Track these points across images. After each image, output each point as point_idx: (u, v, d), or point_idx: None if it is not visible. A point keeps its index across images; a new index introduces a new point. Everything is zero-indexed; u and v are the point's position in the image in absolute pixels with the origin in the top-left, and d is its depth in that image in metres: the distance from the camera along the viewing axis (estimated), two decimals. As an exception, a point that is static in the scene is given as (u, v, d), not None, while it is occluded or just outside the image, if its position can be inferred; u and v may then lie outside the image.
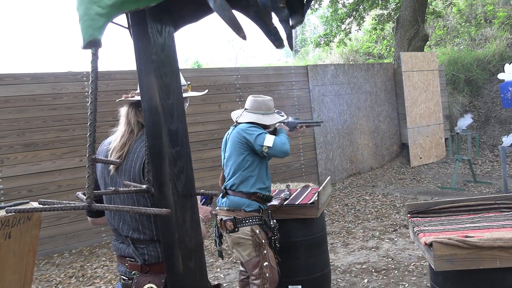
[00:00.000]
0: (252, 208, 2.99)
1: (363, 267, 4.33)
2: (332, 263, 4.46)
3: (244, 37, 0.90)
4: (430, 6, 12.78)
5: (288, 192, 3.76)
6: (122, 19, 1.06)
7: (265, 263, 2.98)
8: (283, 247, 3.45)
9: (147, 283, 1.63)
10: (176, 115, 0.93)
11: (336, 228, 5.68)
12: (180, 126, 0.92)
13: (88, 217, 2.08)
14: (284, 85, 7.89)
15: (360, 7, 13.36)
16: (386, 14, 13.51)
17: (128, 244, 1.78)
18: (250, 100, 3.22)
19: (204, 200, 2.28)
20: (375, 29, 14.18)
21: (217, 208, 3.10)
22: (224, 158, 3.23)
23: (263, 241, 2.97)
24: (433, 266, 2.25)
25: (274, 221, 3.08)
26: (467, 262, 2.18)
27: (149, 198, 1.65)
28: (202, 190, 1.79)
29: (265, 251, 2.98)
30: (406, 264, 4.20)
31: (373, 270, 4.19)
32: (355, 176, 8.53)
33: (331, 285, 3.87)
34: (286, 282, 3.48)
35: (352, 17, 13.61)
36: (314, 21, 27.69)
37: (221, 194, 3.11)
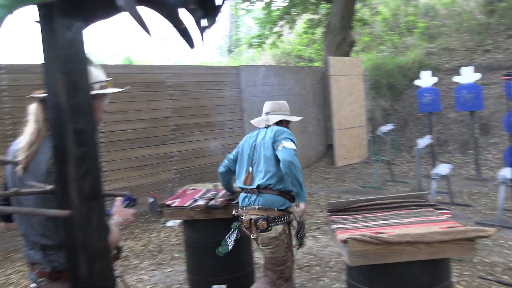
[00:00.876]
0: (286, 206, 3.01)
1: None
2: (257, 262, 4.54)
3: (149, 34, 0.92)
4: (358, 14, 13.37)
5: (215, 192, 3.78)
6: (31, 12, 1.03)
7: (288, 263, 3.05)
8: (208, 247, 3.47)
9: None
10: (83, 113, 0.91)
11: (263, 226, 5.78)
12: (87, 125, 0.91)
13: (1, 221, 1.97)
14: (216, 85, 7.90)
15: (293, 11, 13.67)
16: (316, 19, 13.93)
17: (37, 250, 1.71)
18: (270, 104, 3.38)
19: (127, 202, 2.23)
20: (306, 33, 14.58)
21: (242, 207, 3.08)
22: (249, 159, 3.15)
23: (291, 240, 3.05)
24: (348, 262, 2.37)
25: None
26: (379, 257, 2.32)
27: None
28: (126, 192, 1.74)
29: (290, 252, 3.06)
30: (327, 260, 4.37)
31: (296, 267, 4.31)
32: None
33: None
34: (211, 281, 3.51)
35: (284, 20, 13.90)
36: (249, 22, 27.94)
37: (246, 194, 3.07)
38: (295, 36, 16.67)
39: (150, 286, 4.17)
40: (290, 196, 3.05)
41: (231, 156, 3.38)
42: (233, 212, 3.17)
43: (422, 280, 2.39)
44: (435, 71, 11.05)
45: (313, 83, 9.89)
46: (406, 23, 14.63)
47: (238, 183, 3.20)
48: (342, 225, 2.68)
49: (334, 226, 2.67)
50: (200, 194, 3.83)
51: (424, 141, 7.08)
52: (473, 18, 12.61)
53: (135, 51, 32.48)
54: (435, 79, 8.33)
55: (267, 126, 3.22)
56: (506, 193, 5.13)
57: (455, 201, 6.20)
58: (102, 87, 1.85)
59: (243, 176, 3.14)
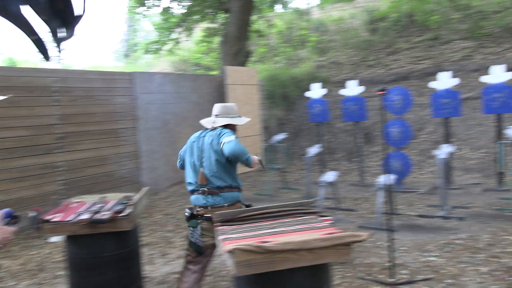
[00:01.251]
0: (241, 197, 3.47)
1: (179, 276, 4.38)
2: (149, 274, 4.42)
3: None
4: (254, 25, 13.74)
5: (102, 204, 3.61)
6: None
7: None
8: (93, 263, 3.30)
9: None
10: None
11: (156, 238, 5.65)
12: None
13: None
14: (108, 91, 7.58)
15: (190, 18, 13.63)
16: (214, 28, 14.04)
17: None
18: (219, 106, 3.63)
19: (8, 219, 2.03)
20: (204, 41, 14.62)
21: (207, 207, 3.29)
22: (198, 159, 3.41)
23: None
24: (234, 272, 2.40)
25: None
26: (263, 265, 2.37)
27: None
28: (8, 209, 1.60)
29: None
30: (219, 269, 4.39)
31: (189, 278, 4.27)
32: (178, 185, 8.61)
33: (146, 297, 3.84)
34: (96, 299, 3.33)
35: (182, 27, 13.79)
36: (147, 26, 27.29)
37: (205, 194, 3.31)
38: (193, 44, 16.64)
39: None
40: (240, 188, 3.48)
41: (181, 152, 3.67)
42: (194, 212, 3.34)
43: (305, 286, 2.50)
44: (325, 83, 11.75)
45: (210, 92, 9.94)
46: (300, 36, 15.37)
47: (190, 180, 3.40)
48: (229, 236, 2.70)
49: (221, 237, 2.69)
50: (85, 207, 3.63)
51: (313, 150, 7.46)
52: (358, 35, 13.64)
53: (20, 52, 30.00)
54: (324, 91, 8.85)
55: (214, 128, 3.49)
56: (383, 197, 5.59)
57: (341, 207, 6.62)
58: None
59: (193, 175, 3.38)
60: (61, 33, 0.98)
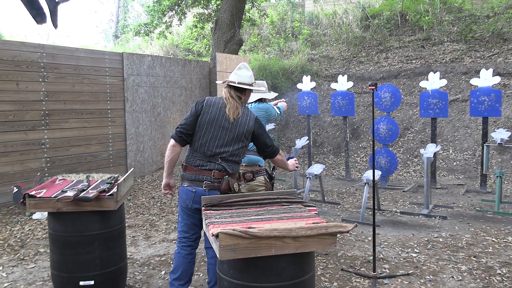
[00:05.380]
0: (263, 163, 3.97)
1: (162, 259, 4.38)
2: (132, 256, 4.41)
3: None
4: (247, 14, 13.65)
5: (86, 183, 3.57)
6: None
7: None
8: (76, 241, 3.28)
9: None
10: None
11: (140, 221, 5.63)
12: None
13: None
14: (97, 70, 7.46)
15: (183, 3, 13.48)
16: (206, 14, 13.92)
17: (220, 162, 3.08)
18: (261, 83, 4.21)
19: None
20: (196, 26, 14.49)
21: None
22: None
23: (269, 186, 4.01)
24: (218, 256, 2.40)
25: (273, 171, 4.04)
26: (248, 250, 2.38)
27: None
28: None
29: None
30: (203, 254, 4.39)
31: (171, 262, 4.27)
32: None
33: (128, 278, 3.83)
34: (77, 278, 3.31)
35: (174, 11, 13.64)
36: (138, 8, 26.91)
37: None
38: (184, 29, 16.48)
39: (8, 283, 3.80)
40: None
41: None
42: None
43: (288, 273, 2.51)
44: (315, 76, 11.79)
45: (199, 78, 9.87)
46: (292, 28, 15.33)
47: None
48: (215, 220, 2.70)
49: (207, 221, 2.68)
50: (69, 184, 3.59)
51: (301, 142, 7.48)
52: (350, 31, 13.66)
53: (7, 26, 29.40)
54: (313, 84, 8.86)
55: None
56: (368, 193, 5.64)
57: (326, 199, 6.66)
58: None
59: None
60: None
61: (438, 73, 7.53)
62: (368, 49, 12.84)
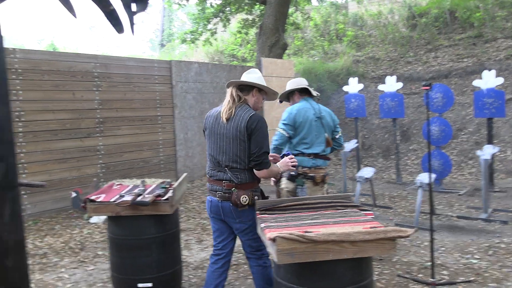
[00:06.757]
0: (308, 163, 3.86)
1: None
2: (185, 260, 4.48)
3: (74, 16, 0.85)
4: (291, 18, 13.65)
5: (142, 188, 3.66)
6: None
7: None
8: (134, 245, 3.36)
9: None
10: (-3, 96, 0.82)
11: (192, 224, 5.71)
12: (1, 109, 0.81)
13: None
14: (146, 78, 7.68)
15: (227, 9, 13.66)
16: (250, 19, 14.02)
17: (227, 171, 2.91)
18: (300, 79, 4.05)
19: None
20: (240, 32, 14.64)
21: (310, 168, 3.80)
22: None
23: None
24: (275, 260, 2.39)
25: None
26: (305, 255, 2.35)
27: None
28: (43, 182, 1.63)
29: None
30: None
31: (223, 266, 4.30)
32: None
33: (183, 281, 3.88)
34: (136, 280, 3.39)
35: (218, 18, 13.85)
36: (182, 17, 27.52)
37: (316, 158, 3.83)
38: (229, 35, 16.68)
39: (71, 284, 3.95)
40: None
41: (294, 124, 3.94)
42: (298, 171, 3.77)
43: (346, 278, 2.46)
44: (361, 78, 11.59)
45: (245, 83, 9.93)
46: (336, 30, 15.18)
47: (313, 150, 3.82)
48: (271, 224, 2.70)
49: (262, 225, 2.68)
50: (127, 189, 3.70)
51: (350, 145, 7.36)
52: (397, 31, 13.36)
53: (61, 38, 30.82)
54: (361, 86, 8.70)
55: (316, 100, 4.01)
56: (423, 196, 5.47)
57: (377, 203, 6.52)
58: None
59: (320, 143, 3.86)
60: (134, 7, 0.97)
61: (493, 71, 7.21)
62: (416, 48, 12.50)
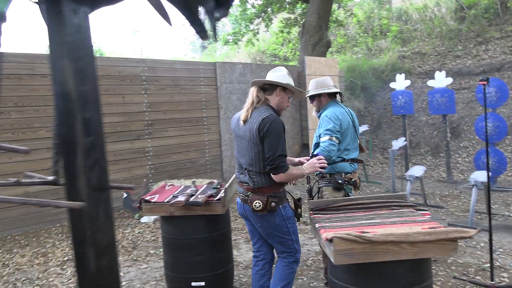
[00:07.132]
0: (350, 169, 3.69)
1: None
2: (235, 259, 4.51)
3: (170, 24, 0.87)
4: (333, 15, 13.49)
5: (194, 188, 3.73)
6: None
7: None
8: (187, 244, 3.42)
9: None
10: (91, 102, 0.86)
11: (239, 224, 5.75)
12: (94, 114, 0.85)
13: None
14: (192, 81, 7.81)
15: (269, 9, 13.68)
16: (293, 18, 13.97)
17: (245, 174, 2.86)
18: (325, 79, 3.82)
19: None
20: (282, 31, 14.61)
21: (352, 172, 3.64)
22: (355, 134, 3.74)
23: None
24: (332, 260, 2.36)
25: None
26: (363, 256, 2.32)
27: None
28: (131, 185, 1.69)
29: None
30: (304, 259, 4.38)
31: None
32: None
33: (234, 280, 3.92)
34: (189, 278, 3.46)
35: (260, 18, 13.88)
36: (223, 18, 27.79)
37: (352, 162, 3.65)
38: (270, 35, 16.69)
39: (126, 282, 4.07)
40: None
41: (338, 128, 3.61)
42: (346, 177, 3.61)
43: (405, 279, 2.41)
44: (407, 74, 11.29)
45: (289, 82, 9.90)
46: (380, 26, 14.86)
47: (351, 156, 3.67)
48: (325, 224, 2.67)
49: (317, 225, 2.66)
50: (179, 190, 3.77)
51: (398, 143, 7.19)
52: (444, 24, 12.92)
53: (105, 44, 31.86)
54: (408, 82, 8.48)
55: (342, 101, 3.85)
56: (477, 195, 5.27)
57: (428, 203, 6.33)
58: None
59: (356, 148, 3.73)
60: (217, 12, 0.98)
61: (551, 63, 6.84)
62: (465, 41, 12.04)
